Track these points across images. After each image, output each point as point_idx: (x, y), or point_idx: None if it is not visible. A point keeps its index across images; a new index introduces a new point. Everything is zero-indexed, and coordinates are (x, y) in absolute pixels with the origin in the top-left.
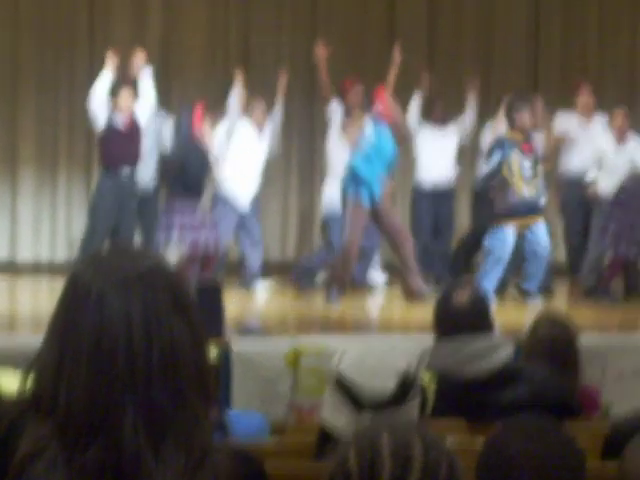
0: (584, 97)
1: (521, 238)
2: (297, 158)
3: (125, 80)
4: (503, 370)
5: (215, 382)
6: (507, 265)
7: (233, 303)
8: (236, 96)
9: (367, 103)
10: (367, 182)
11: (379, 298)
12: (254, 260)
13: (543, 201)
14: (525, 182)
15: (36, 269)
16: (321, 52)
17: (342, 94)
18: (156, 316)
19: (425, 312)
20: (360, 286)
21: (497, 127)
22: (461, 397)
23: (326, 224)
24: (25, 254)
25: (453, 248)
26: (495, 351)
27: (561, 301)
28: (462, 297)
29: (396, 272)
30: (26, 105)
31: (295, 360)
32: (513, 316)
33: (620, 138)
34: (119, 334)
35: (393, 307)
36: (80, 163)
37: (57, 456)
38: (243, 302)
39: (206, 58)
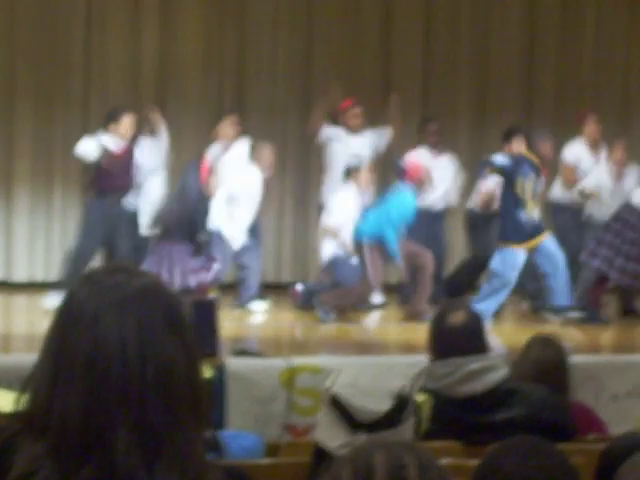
0: (591, 127)
1: (531, 260)
2: (292, 178)
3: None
4: (497, 390)
5: (209, 402)
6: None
7: (229, 323)
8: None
9: (400, 172)
10: (389, 242)
11: (375, 318)
12: (253, 280)
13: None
14: (535, 204)
15: (31, 287)
16: (334, 96)
17: (338, 115)
18: (151, 336)
19: (421, 333)
20: (357, 306)
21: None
22: (456, 417)
23: (332, 266)
24: (20, 273)
25: (450, 269)
26: (490, 372)
27: (553, 322)
28: (457, 318)
29: (396, 291)
30: (22, 123)
31: (290, 380)
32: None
33: (619, 172)
34: (113, 353)
35: (389, 328)
36: (75, 181)
37: (51, 475)
38: (239, 322)
39: (201, 73)
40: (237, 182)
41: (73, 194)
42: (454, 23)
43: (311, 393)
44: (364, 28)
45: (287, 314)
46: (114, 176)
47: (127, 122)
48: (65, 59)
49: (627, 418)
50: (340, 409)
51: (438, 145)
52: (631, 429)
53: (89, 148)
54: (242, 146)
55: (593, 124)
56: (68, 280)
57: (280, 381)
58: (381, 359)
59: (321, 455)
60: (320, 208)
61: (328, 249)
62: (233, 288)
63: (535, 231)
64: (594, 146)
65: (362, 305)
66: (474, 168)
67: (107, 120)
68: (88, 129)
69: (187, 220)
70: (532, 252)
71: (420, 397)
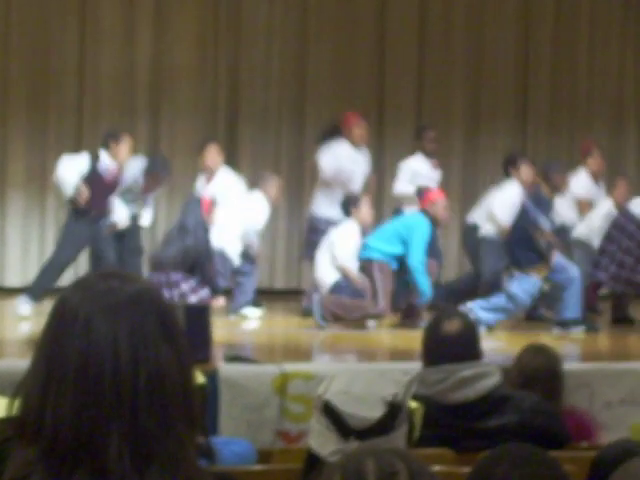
0: (597, 161)
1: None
2: (285, 184)
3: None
4: (490, 397)
5: (202, 408)
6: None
7: (222, 329)
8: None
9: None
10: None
11: (369, 325)
12: (249, 286)
13: None
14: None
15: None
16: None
17: (344, 128)
18: (143, 341)
19: (414, 340)
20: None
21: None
22: (448, 424)
23: (336, 291)
24: (13, 278)
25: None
26: (482, 378)
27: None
28: (452, 326)
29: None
30: (15, 129)
31: (282, 386)
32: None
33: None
34: (106, 359)
35: (381, 334)
36: None
37: None
38: (232, 328)
39: (195, 79)
40: (242, 210)
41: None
42: (448, 30)
43: (304, 399)
44: (358, 35)
45: (281, 320)
46: (94, 199)
47: (126, 146)
48: (59, 65)
49: (620, 425)
50: (332, 416)
51: (435, 153)
52: (623, 436)
53: (68, 178)
54: (226, 174)
55: (598, 157)
56: (36, 288)
57: (273, 387)
58: (374, 366)
59: (313, 461)
60: (313, 222)
61: (330, 275)
62: (228, 293)
63: (546, 253)
64: (596, 177)
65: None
66: (468, 174)
67: (107, 139)
68: (81, 135)
69: (192, 257)
70: (548, 273)
71: (413, 404)
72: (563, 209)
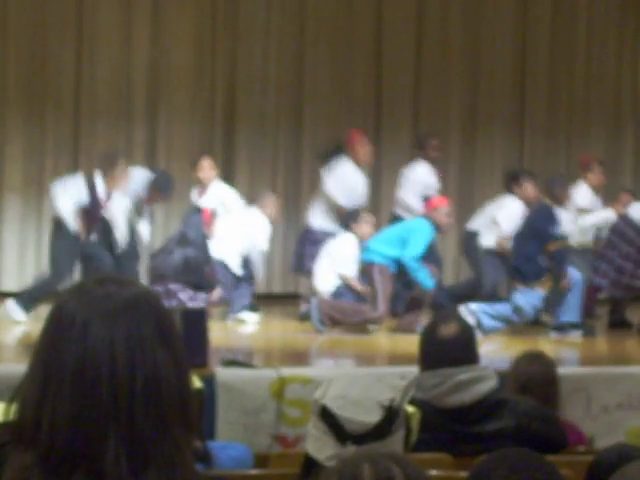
0: (598, 177)
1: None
2: (283, 187)
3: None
4: (486, 401)
5: (199, 412)
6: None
7: (219, 333)
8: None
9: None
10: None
11: (365, 330)
12: (247, 292)
13: None
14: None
15: None
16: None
17: (348, 147)
18: (140, 345)
19: (412, 344)
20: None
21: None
22: (445, 428)
23: (337, 297)
24: (10, 282)
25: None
26: (478, 383)
27: (546, 334)
28: (449, 330)
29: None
30: (13, 133)
31: (280, 391)
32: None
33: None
34: (102, 363)
35: (379, 339)
36: None
37: None
38: (229, 332)
39: (193, 84)
40: (242, 224)
41: None
42: (445, 34)
43: (301, 404)
44: (356, 39)
45: (278, 325)
46: (89, 224)
47: (122, 172)
48: (56, 69)
49: (617, 430)
50: (330, 420)
51: (440, 160)
52: (621, 441)
53: (68, 211)
54: (219, 187)
55: (599, 172)
56: (28, 299)
57: (270, 392)
58: (371, 370)
59: (310, 466)
60: (307, 234)
61: (329, 283)
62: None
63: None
64: (596, 191)
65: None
66: (465, 178)
67: (103, 163)
68: (79, 138)
69: (193, 267)
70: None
71: (410, 409)
72: (565, 222)
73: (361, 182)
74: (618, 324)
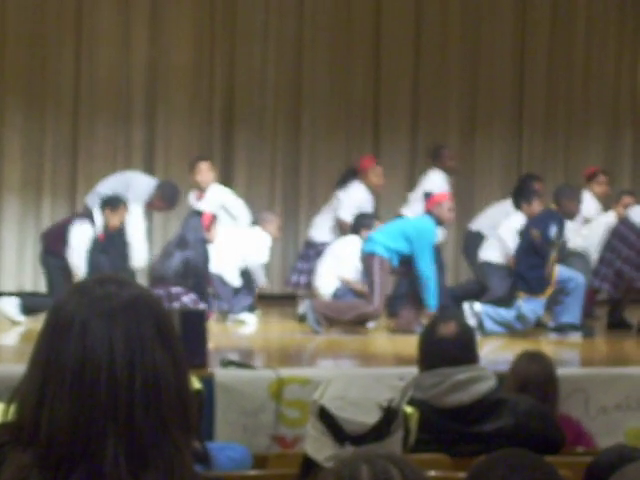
0: (604, 189)
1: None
2: (281, 189)
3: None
4: (485, 401)
5: (198, 413)
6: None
7: (218, 334)
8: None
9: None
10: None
11: (364, 330)
12: (247, 295)
13: None
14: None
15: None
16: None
17: (360, 171)
18: (139, 346)
19: (411, 345)
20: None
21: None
22: (443, 428)
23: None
24: (8, 282)
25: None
26: (477, 382)
27: (546, 335)
28: (449, 329)
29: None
30: (11, 133)
31: (278, 391)
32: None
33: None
34: (102, 363)
35: (378, 339)
36: (64, 192)
37: None
38: (228, 333)
39: (191, 85)
40: (242, 236)
41: (62, 204)
42: (444, 36)
43: (299, 404)
44: (354, 40)
45: (277, 325)
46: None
47: (121, 215)
48: (55, 69)
49: (616, 431)
50: (328, 421)
51: (456, 170)
52: (619, 442)
53: (81, 262)
54: (217, 191)
55: (605, 185)
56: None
57: (269, 392)
58: (370, 371)
59: (309, 467)
60: (313, 245)
61: (329, 283)
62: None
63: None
64: (601, 200)
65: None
66: (464, 179)
67: (104, 205)
68: (77, 138)
69: (192, 270)
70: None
71: (408, 409)
72: (570, 232)
73: (370, 204)
74: (617, 325)
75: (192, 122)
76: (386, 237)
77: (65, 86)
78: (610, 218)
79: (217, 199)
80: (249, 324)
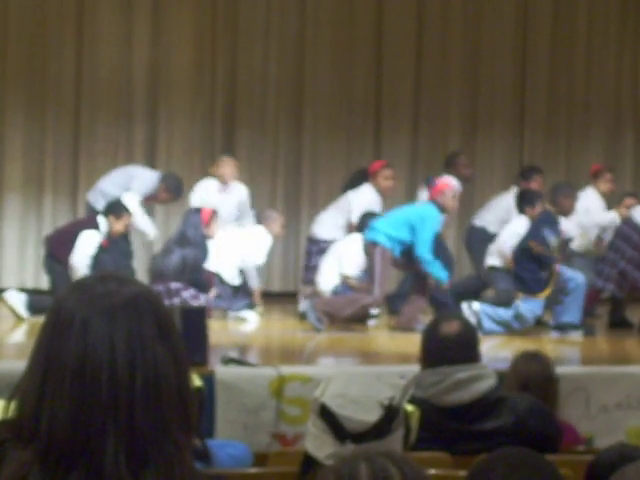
0: (609, 186)
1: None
2: (282, 187)
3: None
4: (485, 399)
5: (198, 410)
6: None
7: (219, 331)
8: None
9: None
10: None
11: (365, 328)
12: (247, 290)
13: None
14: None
15: None
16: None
17: (371, 174)
18: (140, 344)
19: (412, 343)
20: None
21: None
22: (444, 426)
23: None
24: (10, 280)
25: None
26: (477, 381)
27: (546, 333)
28: (451, 328)
29: (387, 300)
30: (13, 131)
31: (279, 389)
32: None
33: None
34: (102, 361)
35: (379, 337)
36: (66, 189)
37: None
38: (229, 330)
39: (193, 85)
40: (242, 237)
41: (63, 202)
42: (445, 35)
43: (300, 402)
44: (356, 39)
45: (277, 323)
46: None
47: (124, 223)
48: (56, 68)
49: (616, 429)
50: (329, 419)
51: (470, 178)
52: (620, 440)
53: (83, 267)
54: (240, 189)
55: (610, 182)
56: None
57: (269, 390)
58: (371, 369)
59: (309, 464)
60: (315, 242)
61: (330, 280)
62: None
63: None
64: (605, 198)
65: (361, 317)
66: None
67: (108, 212)
68: (79, 137)
69: (191, 266)
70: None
71: (409, 407)
72: (567, 228)
73: (378, 206)
74: (618, 324)
75: (194, 120)
76: (389, 225)
77: (66, 85)
78: (613, 217)
79: (241, 194)
80: (250, 322)
